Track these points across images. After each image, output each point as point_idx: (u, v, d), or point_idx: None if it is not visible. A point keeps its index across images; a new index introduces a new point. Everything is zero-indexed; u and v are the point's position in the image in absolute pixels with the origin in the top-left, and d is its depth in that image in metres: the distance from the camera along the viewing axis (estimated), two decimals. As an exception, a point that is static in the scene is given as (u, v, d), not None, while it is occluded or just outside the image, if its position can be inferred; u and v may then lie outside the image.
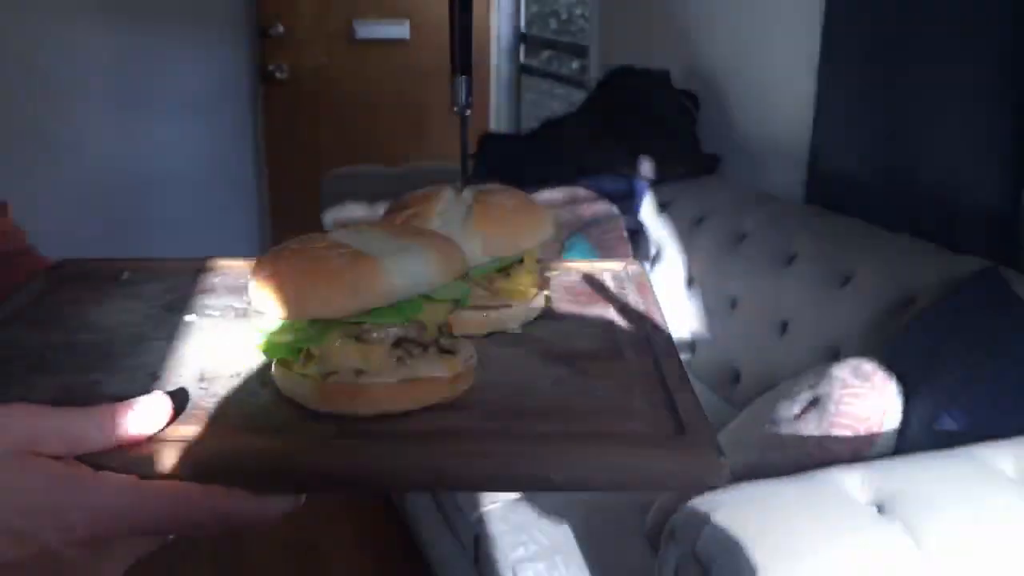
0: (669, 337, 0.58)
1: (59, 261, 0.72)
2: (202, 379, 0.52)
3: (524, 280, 0.59)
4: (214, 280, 0.69)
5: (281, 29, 3.50)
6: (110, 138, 3.50)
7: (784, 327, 1.94)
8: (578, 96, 3.77)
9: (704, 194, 2.39)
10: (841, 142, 2.15)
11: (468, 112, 0.64)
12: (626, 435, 0.46)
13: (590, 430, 0.47)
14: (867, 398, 1.35)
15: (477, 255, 0.57)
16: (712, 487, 0.44)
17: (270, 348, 0.50)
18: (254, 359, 0.53)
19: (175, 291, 0.66)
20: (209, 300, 0.65)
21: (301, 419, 0.48)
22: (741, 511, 1.04)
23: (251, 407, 0.50)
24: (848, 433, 1.31)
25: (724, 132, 2.57)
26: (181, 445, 0.45)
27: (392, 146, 3.77)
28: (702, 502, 1.08)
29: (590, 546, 1.62)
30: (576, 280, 0.68)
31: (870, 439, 1.32)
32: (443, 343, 0.49)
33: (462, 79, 0.63)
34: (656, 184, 2.48)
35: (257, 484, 0.45)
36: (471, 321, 0.56)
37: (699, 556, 1.08)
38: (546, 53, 4.21)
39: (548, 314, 0.62)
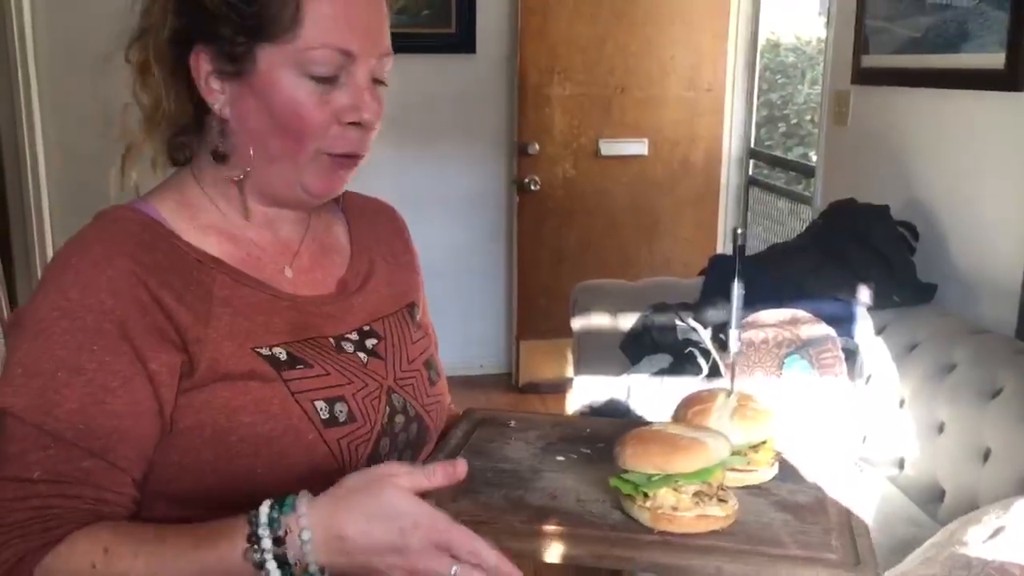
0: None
1: (467, 409, 1.17)
2: (579, 500, 0.93)
3: (766, 455, 0.97)
4: (566, 431, 1.11)
5: (537, 148, 4.06)
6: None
7: (987, 455, 2.14)
8: (802, 209, 4.06)
9: (918, 321, 2.58)
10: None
11: (738, 355, 0.95)
12: (825, 560, 0.83)
13: (805, 555, 0.84)
14: (1047, 532, 1.59)
15: (739, 438, 0.95)
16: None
17: (623, 485, 0.90)
18: (606, 490, 0.94)
19: (546, 438, 1.09)
20: (564, 445, 1.07)
21: (638, 531, 0.88)
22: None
23: (611, 520, 0.90)
24: (1026, 561, 1.55)
25: (941, 262, 2.74)
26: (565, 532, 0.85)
27: (626, 248, 4.22)
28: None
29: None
30: (795, 459, 1.06)
31: (1047, 568, 1.55)
32: (720, 495, 0.88)
33: (736, 331, 0.96)
34: (873, 309, 2.71)
35: (600, 563, 0.84)
36: (735, 478, 0.94)
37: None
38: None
39: (779, 477, 0.99)
